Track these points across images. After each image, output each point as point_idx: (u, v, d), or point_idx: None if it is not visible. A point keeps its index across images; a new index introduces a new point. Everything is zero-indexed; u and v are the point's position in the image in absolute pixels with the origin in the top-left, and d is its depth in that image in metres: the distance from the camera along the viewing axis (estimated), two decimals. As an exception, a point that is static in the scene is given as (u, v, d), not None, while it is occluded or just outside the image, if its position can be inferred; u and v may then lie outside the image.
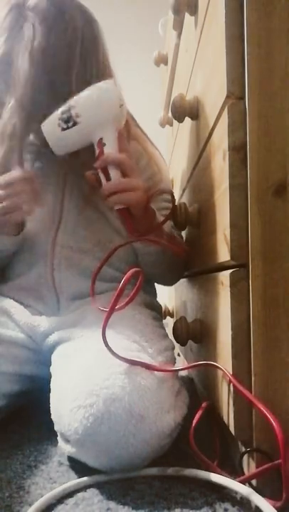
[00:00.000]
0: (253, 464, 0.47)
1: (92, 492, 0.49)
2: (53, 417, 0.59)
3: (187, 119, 0.75)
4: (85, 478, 0.51)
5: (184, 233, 0.88)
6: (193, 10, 0.69)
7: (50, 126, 0.65)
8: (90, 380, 0.53)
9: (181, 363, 1.11)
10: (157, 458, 0.53)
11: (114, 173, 0.64)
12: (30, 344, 0.73)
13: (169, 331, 0.75)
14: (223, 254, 0.51)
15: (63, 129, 0.64)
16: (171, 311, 1.35)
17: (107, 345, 0.53)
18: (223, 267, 0.53)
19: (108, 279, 0.77)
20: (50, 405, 0.60)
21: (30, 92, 0.70)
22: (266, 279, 0.46)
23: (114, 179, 0.64)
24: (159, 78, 1.53)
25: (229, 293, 0.48)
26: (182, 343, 0.70)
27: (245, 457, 0.50)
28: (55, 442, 0.60)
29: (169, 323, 1.28)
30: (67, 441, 0.55)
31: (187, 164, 0.85)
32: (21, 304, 0.77)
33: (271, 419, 0.43)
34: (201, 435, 0.56)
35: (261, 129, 0.46)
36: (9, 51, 0.71)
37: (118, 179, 0.64)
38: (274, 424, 0.42)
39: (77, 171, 0.74)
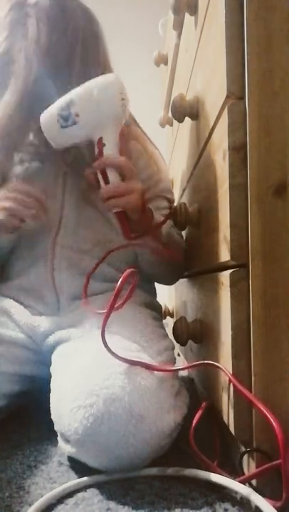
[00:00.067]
0: (253, 464, 0.47)
1: (92, 492, 0.49)
2: (53, 417, 0.59)
3: (187, 119, 0.75)
4: (85, 478, 0.51)
5: (184, 233, 0.88)
6: (193, 10, 0.69)
7: (49, 120, 0.64)
8: (89, 380, 0.53)
9: (181, 363, 1.11)
10: (157, 458, 0.53)
11: (112, 176, 0.63)
12: (30, 344, 0.73)
13: (169, 331, 0.75)
14: (223, 254, 0.51)
15: (62, 127, 0.63)
16: (171, 311, 1.35)
17: (106, 345, 0.53)
18: (223, 267, 0.53)
19: (108, 279, 0.77)
20: (50, 405, 0.60)
21: (30, 91, 0.70)
22: (266, 279, 0.46)
23: (112, 182, 0.63)
24: (159, 78, 1.53)
25: (229, 293, 0.48)
26: (182, 343, 0.70)
27: (245, 457, 0.50)
28: (55, 442, 0.60)
29: (169, 323, 1.28)
30: (67, 441, 0.55)
31: (187, 164, 0.85)
32: (21, 304, 0.77)
33: (271, 419, 0.43)
34: (201, 435, 0.56)
35: (261, 129, 0.46)
36: (10, 49, 0.71)
37: (116, 183, 0.63)
38: (274, 424, 0.42)
39: (77, 170, 0.74)
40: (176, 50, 1.00)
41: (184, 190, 0.91)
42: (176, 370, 0.58)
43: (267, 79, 0.46)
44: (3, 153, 0.74)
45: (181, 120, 0.71)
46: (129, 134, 0.80)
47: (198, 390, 0.89)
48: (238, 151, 0.47)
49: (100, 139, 0.63)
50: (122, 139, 0.64)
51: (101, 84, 0.62)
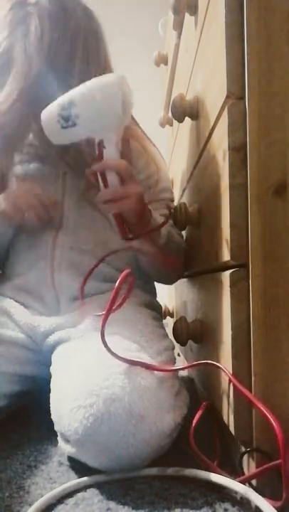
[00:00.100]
0: (253, 464, 0.47)
1: (92, 492, 0.49)
2: (53, 417, 0.59)
3: (187, 119, 0.75)
4: (85, 478, 0.51)
5: (184, 233, 0.88)
6: (193, 10, 0.69)
7: (50, 119, 0.63)
8: (89, 380, 0.53)
9: (181, 363, 1.11)
10: (157, 458, 0.53)
11: (111, 178, 0.63)
12: (31, 344, 0.73)
13: (169, 331, 0.75)
14: (223, 254, 0.51)
15: (63, 127, 0.63)
16: (171, 311, 1.35)
17: (106, 345, 0.53)
18: (223, 267, 0.53)
19: (108, 278, 0.77)
20: (50, 405, 0.60)
21: (30, 89, 0.70)
22: (266, 279, 0.46)
23: (111, 186, 0.63)
24: (159, 78, 1.53)
25: (229, 293, 0.48)
26: (182, 343, 0.70)
27: (245, 457, 0.50)
28: (55, 442, 0.60)
29: (169, 323, 1.28)
30: (67, 441, 0.55)
31: (187, 164, 0.85)
32: (21, 304, 0.77)
33: (271, 419, 0.43)
34: (201, 435, 0.56)
35: (261, 129, 0.46)
36: (10, 48, 0.71)
37: (115, 187, 0.63)
38: (274, 424, 0.42)
39: (77, 171, 0.74)
40: (176, 50, 1.00)
41: (184, 190, 0.91)
42: (176, 370, 0.58)
43: (267, 79, 0.46)
44: (3, 153, 0.74)
45: (181, 120, 0.71)
46: (129, 133, 0.80)
47: (198, 390, 0.89)
48: (238, 151, 0.47)
49: (100, 141, 0.63)
50: (122, 141, 0.64)
51: (104, 88, 0.61)
